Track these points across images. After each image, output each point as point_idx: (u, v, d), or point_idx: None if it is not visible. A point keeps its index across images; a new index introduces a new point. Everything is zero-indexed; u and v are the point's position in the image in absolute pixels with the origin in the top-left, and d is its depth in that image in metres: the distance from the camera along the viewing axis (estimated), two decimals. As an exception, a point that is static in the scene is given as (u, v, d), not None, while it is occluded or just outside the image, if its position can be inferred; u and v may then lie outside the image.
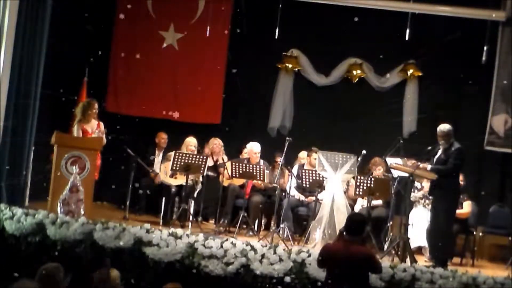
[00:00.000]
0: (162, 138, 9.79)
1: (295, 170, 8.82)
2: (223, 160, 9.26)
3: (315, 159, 8.71)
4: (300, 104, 10.43)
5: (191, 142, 9.09)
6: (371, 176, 8.30)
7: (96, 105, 8.34)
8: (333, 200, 7.98)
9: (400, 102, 10.19)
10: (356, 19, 9.73)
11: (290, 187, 8.69)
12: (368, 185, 8.04)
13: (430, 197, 8.34)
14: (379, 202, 8.52)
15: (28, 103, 8.47)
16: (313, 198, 8.48)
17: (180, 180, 8.84)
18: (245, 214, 8.43)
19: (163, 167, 9.06)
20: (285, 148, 8.43)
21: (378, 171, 8.62)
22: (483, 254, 8.70)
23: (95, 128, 8.25)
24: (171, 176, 8.85)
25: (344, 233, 5.63)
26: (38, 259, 6.42)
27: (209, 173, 9.09)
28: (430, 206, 8.40)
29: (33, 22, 8.41)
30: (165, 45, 10.45)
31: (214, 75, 10.43)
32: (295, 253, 6.62)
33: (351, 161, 8.13)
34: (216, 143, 9.47)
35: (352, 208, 8.63)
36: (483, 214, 8.79)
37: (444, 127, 7.59)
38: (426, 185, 8.52)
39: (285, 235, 8.29)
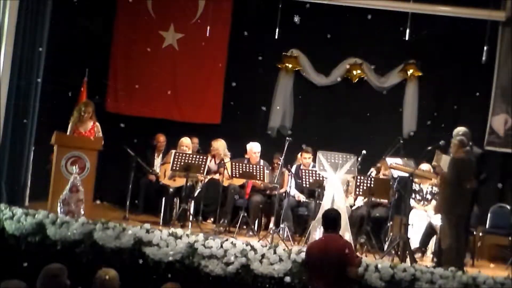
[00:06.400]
0: (159, 141, 9.74)
1: (294, 170, 8.81)
2: (223, 160, 9.25)
3: (305, 158, 8.80)
4: (300, 104, 10.43)
5: (183, 142, 9.00)
6: (371, 176, 8.30)
7: (91, 108, 8.29)
8: (333, 200, 7.97)
9: (400, 102, 10.19)
10: (356, 19, 9.73)
11: (290, 187, 8.69)
12: (368, 185, 8.04)
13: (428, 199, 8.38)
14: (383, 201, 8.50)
15: (28, 103, 8.48)
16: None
17: (180, 183, 8.81)
18: (245, 214, 8.42)
19: (163, 169, 9.05)
20: (285, 148, 8.43)
21: (385, 171, 8.57)
22: (483, 254, 8.68)
23: (88, 128, 8.22)
24: (170, 178, 8.83)
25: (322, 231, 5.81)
26: (38, 259, 6.41)
27: (209, 177, 9.08)
28: (428, 207, 8.43)
29: (33, 22, 8.41)
30: (165, 45, 10.45)
31: (214, 75, 10.44)
32: (295, 253, 6.61)
33: (351, 161, 8.12)
34: (215, 147, 9.41)
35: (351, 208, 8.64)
36: (483, 214, 8.78)
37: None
38: (425, 187, 8.53)
39: (285, 235, 8.27)
